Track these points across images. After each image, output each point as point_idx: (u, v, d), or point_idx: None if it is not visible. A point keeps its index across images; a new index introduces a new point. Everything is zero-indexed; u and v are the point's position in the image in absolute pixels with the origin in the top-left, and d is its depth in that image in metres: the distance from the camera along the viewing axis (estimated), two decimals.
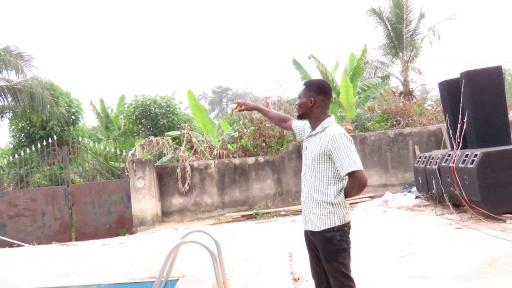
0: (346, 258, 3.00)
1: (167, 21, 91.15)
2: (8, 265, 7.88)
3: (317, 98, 3.12)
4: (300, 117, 3.25)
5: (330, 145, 2.95)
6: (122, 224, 11.85)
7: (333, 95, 15.51)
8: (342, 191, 3.00)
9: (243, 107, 3.71)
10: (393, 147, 12.23)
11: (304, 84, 3.25)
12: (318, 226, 3.01)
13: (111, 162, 13.30)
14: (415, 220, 8.34)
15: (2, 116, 16.08)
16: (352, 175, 2.91)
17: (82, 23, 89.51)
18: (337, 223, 2.97)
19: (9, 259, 8.69)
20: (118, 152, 13.75)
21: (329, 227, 2.97)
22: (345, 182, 3.01)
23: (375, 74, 21.49)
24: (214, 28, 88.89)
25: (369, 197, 11.32)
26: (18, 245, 11.01)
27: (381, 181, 12.01)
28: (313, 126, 3.15)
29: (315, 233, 3.05)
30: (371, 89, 17.02)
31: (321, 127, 3.07)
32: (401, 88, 20.60)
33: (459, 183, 7.67)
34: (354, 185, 2.94)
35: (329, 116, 3.14)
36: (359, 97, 16.53)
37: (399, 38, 20.47)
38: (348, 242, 3.02)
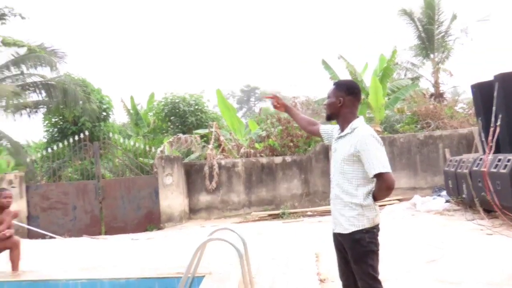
0: (375, 261, 2.98)
1: (198, 20, 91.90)
2: (40, 256, 8.11)
3: (346, 99, 3.09)
4: (329, 117, 3.22)
5: (359, 146, 2.92)
6: (150, 220, 12.03)
7: (362, 96, 15.38)
8: (371, 193, 2.98)
9: (277, 102, 3.70)
10: (422, 149, 12.04)
11: (334, 84, 3.23)
12: (347, 228, 2.99)
13: (140, 158, 13.52)
14: (445, 224, 8.20)
15: (36, 111, 16.52)
16: (379, 177, 2.88)
17: (115, 21, 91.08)
18: (366, 225, 2.95)
19: (41, 250, 8.94)
20: (147, 148, 13.95)
21: (358, 229, 2.95)
22: (372, 183, 2.98)
23: (405, 75, 21.18)
24: (244, 28, 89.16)
25: (398, 200, 11.17)
26: (50, 237, 11.32)
27: (410, 184, 11.83)
28: (342, 127, 3.13)
29: (344, 235, 3.03)
30: (401, 90, 16.77)
31: (350, 128, 3.04)
32: (431, 90, 20.24)
33: (491, 188, 7.50)
34: (382, 187, 2.91)
35: (358, 117, 3.12)
36: (388, 99, 16.32)
37: (430, 39, 20.12)
38: (377, 244, 2.99)
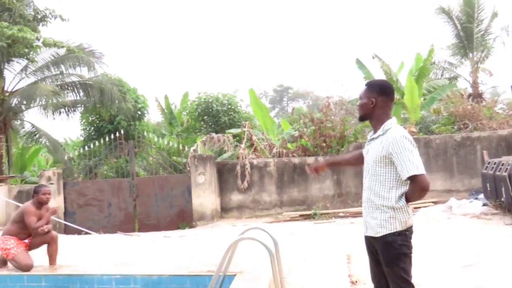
0: (407, 264, 2.92)
1: (231, 20, 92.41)
2: (76, 251, 8.33)
3: (379, 99, 3.03)
4: (362, 118, 3.18)
5: (391, 148, 2.87)
6: (183, 218, 12.17)
7: (397, 96, 15.12)
8: (404, 195, 2.92)
9: (318, 170, 3.68)
10: (459, 151, 11.73)
11: (366, 85, 3.17)
12: (378, 231, 2.95)
13: (173, 157, 13.70)
14: (482, 228, 7.96)
15: (74, 110, 17.01)
16: (413, 179, 2.82)
17: (151, 21, 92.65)
18: (398, 228, 2.90)
19: (77, 246, 9.18)
20: (180, 147, 14.12)
21: (390, 232, 2.90)
22: (407, 187, 2.92)
23: (442, 75, 20.72)
24: (278, 27, 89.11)
25: (433, 202, 10.92)
26: (86, 233, 11.60)
27: (445, 186, 11.55)
28: (375, 129, 3.09)
29: (375, 238, 2.99)
30: (437, 90, 16.39)
31: (382, 130, 2.99)
32: (469, 90, 19.72)
33: None
34: (415, 189, 2.86)
35: (391, 117, 3.06)
36: (424, 99, 15.98)
37: (469, 38, 19.61)
38: (409, 247, 2.94)
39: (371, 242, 3.09)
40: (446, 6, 19.76)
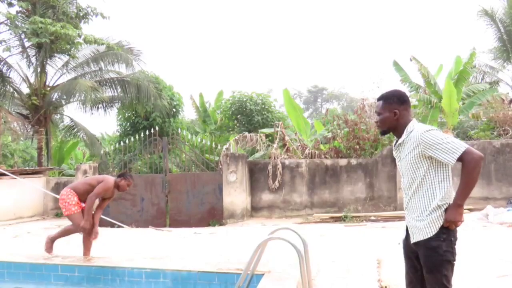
0: (449, 271, 2.87)
1: (268, 20, 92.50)
2: (109, 244, 8.52)
3: (401, 109, 3.05)
4: (385, 132, 3.19)
5: (422, 146, 2.87)
6: (213, 215, 12.26)
7: (434, 100, 14.79)
8: (448, 191, 2.87)
9: None
10: (498, 158, 11.38)
11: (381, 99, 3.15)
12: (423, 235, 2.89)
13: (206, 155, 13.82)
14: None
15: (111, 106, 17.41)
16: (462, 157, 2.75)
17: (187, 20, 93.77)
18: (440, 225, 2.84)
19: (110, 238, 9.39)
20: (213, 145, 14.24)
21: (434, 233, 2.85)
22: (448, 181, 2.88)
23: (482, 79, 20.14)
24: (313, 28, 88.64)
25: (468, 209, 10.63)
26: (119, 226, 11.85)
27: (482, 193, 11.21)
28: (399, 135, 3.08)
29: (419, 243, 2.93)
30: (477, 95, 15.91)
31: (406, 133, 3.00)
32: (511, 95, 19.07)
33: None
34: (470, 165, 2.75)
35: (411, 120, 3.06)
36: (463, 103, 15.56)
37: None
38: (453, 254, 2.88)
39: (410, 246, 3.04)
40: (489, 9, 19.20)
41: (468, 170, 2.78)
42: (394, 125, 3.07)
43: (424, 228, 2.89)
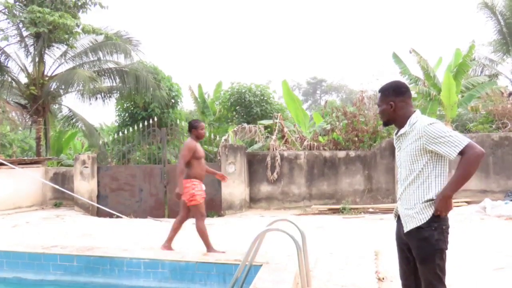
0: (442, 260, 2.88)
1: (268, 10, 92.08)
2: (108, 234, 8.54)
3: (397, 100, 3.06)
4: (386, 123, 3.21)
5: (424, 139, 2.87)
6: (212, 206, 12.27)
7: (434, 93, 14.77)
8: (442, 187, 2.86)
9: None
10: (496, 151, 11.39)
11: (380, 91, 3.19)
12: (415, 222, 2.90)
13: (205, 146, 13.80)
14: None
15: (110, 96, 17.37)
16: (463, 151, 2.77)
17: (186, 11, 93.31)
18: (431, 214, 2.84)
19: (109, 229, 9.42)
20: (212, 136, 14.22)
21: (425, 220, 2.86)
22: (444, 177, 2.89)
23: (481, 72, 20.12)
24: (312, 19, 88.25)
25: (466, 202, 10.67)
26: (117, 216, 11.87)
27: (480, 186, 11.23)
28: (400, 126, 3.08)
29: (410, 232, 2.95)
30: (476, 88, 15.90)
31: (409, 124, 3.00)
32: (510, 88, 19.06)
33: None
34: (469, 159, 2.76)
35: (414, 111, 3.06)
36: (462, 96, 15.55)
37: None
38: (445, 242, 2.89)
39: (402, 238, 3.06)
40: (489, 1, 19.14)
41: (468, 163, 2.79)
42: (392, 116, 3.09)
43: (416, 215, 2.90)
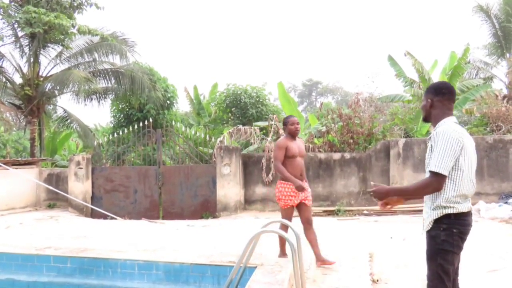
0: (446, 261, 2.92)
1: (262, 13, 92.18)
2: (102, 235, 8.51)
3: (435, 100, 3.13)
4: (425, 120, 3.30)
5: (433, 143, 2.95)
6: (206, 208, 12.27)
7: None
8: (454, 194, 2.91)
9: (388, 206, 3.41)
10: (490, 153, 11.44)
11: (427, 87, 3.30)
12: (427, 222, 3.01)
13: (200, 147, 13.79)
14: (510, 233, 7.78)
15: (105, 97, 17.32)
16: (431, 174, 2.89)
17: (182, 12, 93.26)
18: (439, 215, 2.91)
19: (103, 230, 9.38)
20: (207, 138, 14.20)
21: (432, 221, 2.95)
22: (458, 181, 2.92)
23: (476, 75, 20.20)
24: (308, 21, 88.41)
25: None
26: (112, 218, 11.83)
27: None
28: (433, 126, 3.18)
29: (426, 233, 3.05)
30: (471, 90, 15.98)
31: (435, 129, 3.08)
32: (505, 91, 19.16)
33: None
34: (424, 183, 2.92)
35: (449, 116, 3.10)
36: (457, 99, 15.62)
37: (507, 38, 19.05)
38: (453, 244, 2.91)
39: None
40: (484, 4, 19.23)
41: (421, 185, 2.96)
42: (428, 113, 3.18)
43: (427, 215, 3.02)
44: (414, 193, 3.09)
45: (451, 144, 2.87)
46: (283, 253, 5.65)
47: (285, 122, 5.74)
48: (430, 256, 2.96)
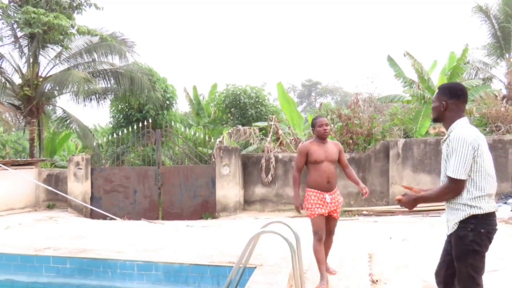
0: (477, 261, 2.96)
1: (261, 13, 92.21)
2: (101, 236, 8.50)
3: (449, 102, 3.13)
4: (435, 120, 3.31)
5: (450, 148, 2.99)
6: (206, 208, 12.26)
7: (428, 96, 14.82)
8: (477, 193, 2.97)
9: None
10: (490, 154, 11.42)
11: (438, 88, 3.28)
12: (452, 222, 3.04)
13: (199, 148, 13.79)
14: (510, 234, 7.77)
15: (104, 98, 17.31)
16: (449, 179, 2.94)
17: (181, 13, 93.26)
18: (466, 216, 2.95)
19: (102, 231, 9.37)
20: (206, 138, 14.20)
21: (458, 222, 2.98)
22: (477, 181, 2.99)
23: (475, 75, 20.21)
24: (308, 22, 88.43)
25: None
26: (111, 218, 11.82)
27: None
28: (446, 128, 3.20)
29: (452, 235, 3.07)
30: (470, 91, 15.96)
31: (449, 131, 3.10)
32: (504, 91, 19.16)
33: None
34: (445, 189, 2.99)
35: (462, 118, 3.12)
36: None
37: (506, 38, 19.05)
38: (481, 244, 2.95)
39: (449, 241, 3.16)
40: (483, 5, 19.24)
41: (442, 191, 3.03)
42: (442, 115, 3.18)
43: (451, 216, 3.06)
44: (436, 200, 3.25)
45: (467, 149, 2.93)
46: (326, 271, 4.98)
47: (313, 124, 5.14)
48: (460, 257, 2.98)
